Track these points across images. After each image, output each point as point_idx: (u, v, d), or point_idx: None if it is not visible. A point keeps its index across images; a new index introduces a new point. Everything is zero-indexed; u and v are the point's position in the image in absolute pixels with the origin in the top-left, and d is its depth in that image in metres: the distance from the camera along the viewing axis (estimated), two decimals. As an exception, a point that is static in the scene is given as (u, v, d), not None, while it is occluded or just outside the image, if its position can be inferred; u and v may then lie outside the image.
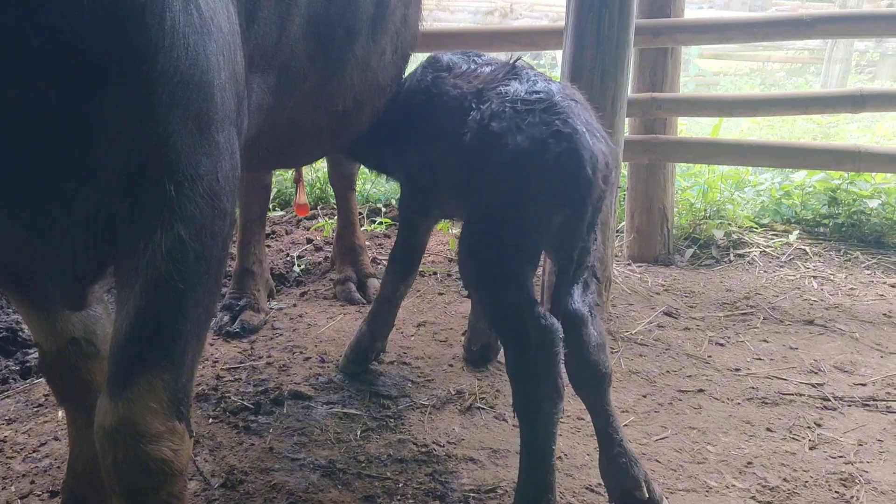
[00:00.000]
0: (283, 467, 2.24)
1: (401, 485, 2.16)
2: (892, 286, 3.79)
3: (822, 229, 4.56)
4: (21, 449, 2.33)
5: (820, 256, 4.19)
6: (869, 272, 3.98)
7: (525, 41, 4.03)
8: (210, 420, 2.48)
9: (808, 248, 4.27)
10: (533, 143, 1.86)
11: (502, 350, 2.87)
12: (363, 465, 2.26)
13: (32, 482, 2.16)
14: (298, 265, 3.98)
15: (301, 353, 2.98)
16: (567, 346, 1.91)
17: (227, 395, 2.62)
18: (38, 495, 2.10)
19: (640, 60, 3.92)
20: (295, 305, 3.50)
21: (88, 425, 1.69)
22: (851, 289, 3.76)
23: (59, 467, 2.21)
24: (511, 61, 2.21)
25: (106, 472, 1.37)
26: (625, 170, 4.16)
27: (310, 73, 1.82)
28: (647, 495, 1.97)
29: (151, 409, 1.31)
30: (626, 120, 3.71)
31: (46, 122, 1.07)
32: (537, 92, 1.97)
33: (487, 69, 2.26)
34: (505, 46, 3.99)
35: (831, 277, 3.92)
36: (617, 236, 4.41)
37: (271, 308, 3.44)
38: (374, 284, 3.63)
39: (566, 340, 1.90)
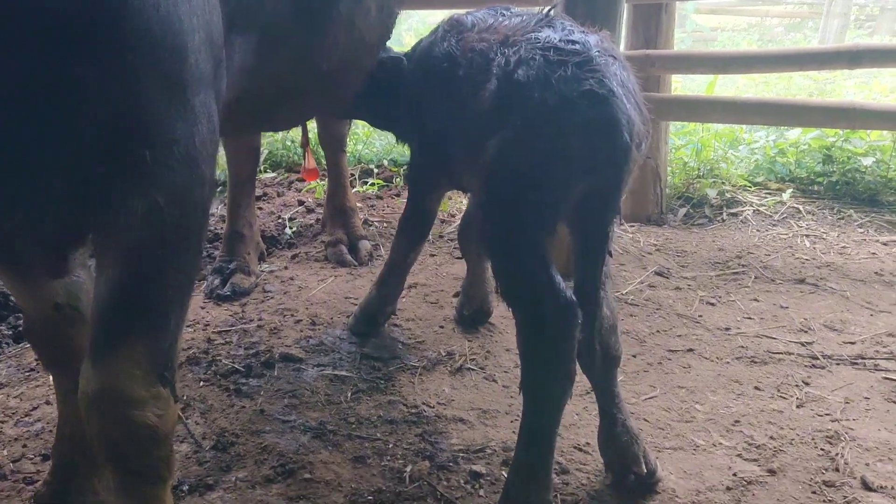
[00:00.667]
0: (274, 429, 2.25)
1: (391, 445, 2.18)
2: (885, 244, 3.79)
3: (816, 187, 4.54)
4: (13, 413, 2.34)
5: (813, 215, 4.18)
6: (862, 230, 3.98)
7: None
8: (201, 383, 2.49)
9: (801, 207, 4.25)
10: (563, 101, 1.68)
11: (494, 312, 2.90)
12: (353, 426, 2.27)
13: (24, 446, 2.18)
14: (290, 227, 3.96)
15: (292, 315, 2.98)
16: (580, 327, 1.78)
17: (217, 358, 2.63)
18: (31, 459, 2.12)
19: (633, 16, 3.86)
20: (286, 268, 3.49)
21: (75, 391, 1.68)
22: (844, 247, 3.76)
23: (50, 431, 2.22)
24: (545, 10, 2.03)
25: (91, 438, 1.37)
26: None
27: (293, 32, 1.78)
28: (644, 470, 1.97)
29: (134, 375, 1.30)
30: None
31: (15, 87, 1.04)
32: (573, 42, 1.77)
33: (517, 20, 2.05)
34: None
35: (824, 236, 3.91)
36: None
37: (262, 271, 3.43)
38: (366, 246, 3.62)
39: (583, 319, 1.78)
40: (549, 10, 2.04)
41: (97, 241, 1.30)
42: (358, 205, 3.91)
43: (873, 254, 3.68)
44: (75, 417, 1.78)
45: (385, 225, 4.04)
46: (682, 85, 5.70)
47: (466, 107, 2.01)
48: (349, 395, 2.44)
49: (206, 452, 2.13)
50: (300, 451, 2.14)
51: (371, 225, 4.04)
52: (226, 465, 2.09)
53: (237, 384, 2.48)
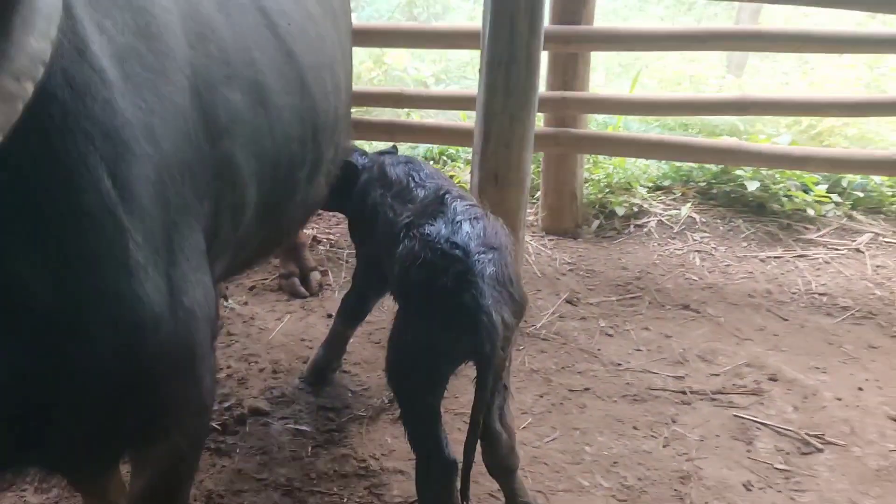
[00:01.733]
0: (251, 488, 2.81)
1: (345, 500, 2.77)
2: (762, 261, 4.46)
3: (714, 190, 5.16)
4: (33, 480, 2.84)
5: (707, 226, 4.81)
6: (746, 244, 4.63)
7: (446, 42, 4.30)
8: (186, 442, 3.02)
9: (698, 217, 4.87)
10: (441, 308, 2.13)
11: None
12: (314, 481, 2.85)
13: (47, 513, 2.70)
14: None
15: (255, 362, 3.49)
16: (484, 449, 2.34)
17: (197, 414, 3.15)
18: (55, 527, 2.65)
19: (553, 60, 4.27)
20: (246, 303, 3.97)
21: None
22: (727, 265, 4.41)
23: (67, 498, 2.73)
24: (441, 192, 2.42)
25: None
26: (540, 156, 4.61)
27: (258, 231, 2.20)
28: None
29: None
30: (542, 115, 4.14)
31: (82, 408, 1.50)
32: (456, 246, 2.13)
33: (421, 193, 2.53)
34: (428, 45, 4.27)
35: (713, 251, 4.55)
36: (533, 207, 4.94)
37: (226, 306, 3.90)
38: (316, 277, 4.11)
39: (484, 445, 2.33)
40: (444, 194, 2.38)
41: (131, 461, 1.81)
42: (307, 231, 4.37)
43: (750, 273, 4.34)
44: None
45: (331, 247, 4.51)
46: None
47: (385, 255, 2.52)
48: (309, 449, 3.00)
49: (199, 515, 2.70)
50: (273, 509, 2.73)
51: (319, 243, 4.51)
52: (215, 526, 2.66)
53: (217, 443, 3.01)
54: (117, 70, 1.30)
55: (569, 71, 4.21)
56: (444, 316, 2.14)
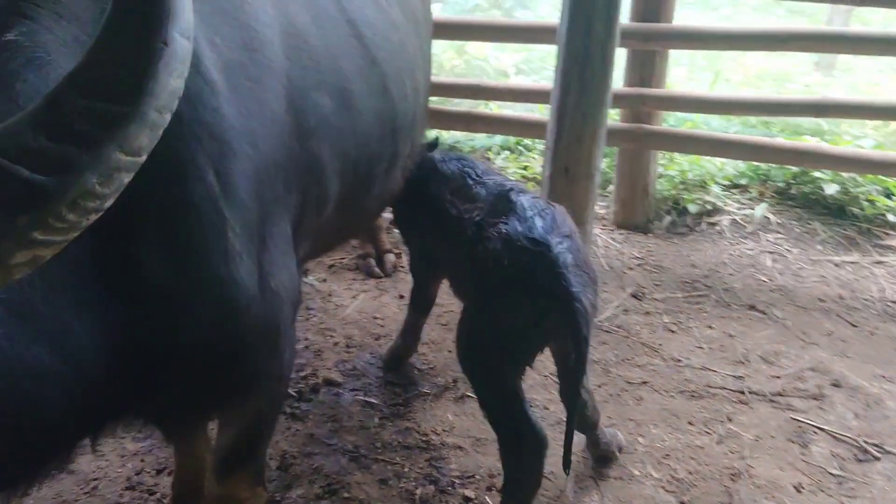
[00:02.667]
0: (322, 451, 3.05)
1: (406, 469, 2.97)
2: (837, 265, 4.40)
3: (793, 191, 5.08)
4: (129, 430, 3.15)
5: (782, 227, 4.77)
6: (821, 248, 4.57)
7: (525, 36, 4.40)
8: (265, 406, 3.28)
9: (773, 217, 4.83)
10: (533, 301, 2.24)
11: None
12: (379, 450, 3.06)
13: (142, 460, 3.00)
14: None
15: (331, 336, 3.73)
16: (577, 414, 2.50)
17: (275, 381, 3.41)
18: (148, 472, 2.94)
19: (631, 56, 4.32)
20: (325, 280, 4.22)
21: (186, 455, 2.53)
22: (799, 268, 4.38)
23: (159, 447, 3.03)
24: (505, 188, 2.56)
25: None
26: (613, 148, 4.67)
27: (338, 219, 2.39)
28: (618, 455, 2.94)
29: (243, 487, 2.09)
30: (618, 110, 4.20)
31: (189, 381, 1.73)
32: (536, 241, 2.25)
33: (482, 191, 2.62)
34: (506, 39, 4.38)
35: (786, 253, 4.52)
36: (605, 200, 5.00)
37: (306, 282, 4.16)
38: (390, 259, 4.32)
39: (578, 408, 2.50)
40: (509, 190, 2.52)
41: (220, 416, 2.05)
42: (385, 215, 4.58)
43: (823, 277, 4.30)
44: (189, 468, 2.58)
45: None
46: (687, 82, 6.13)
47: (449, 250, 2.67)
48: (376, 420, 3.22)
49: (273, 472, 2.94)
50: (341, 473, 2.95)
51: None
52: (287, 483, 2.90)
53: (293, 408, 3.27)
54: (224, 81, 1.51)
55: (646, 68, 4.25)
56: (538, 307, 2.26)
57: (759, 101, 4.23)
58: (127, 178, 0.94)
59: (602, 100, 3.39)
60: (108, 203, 0.93)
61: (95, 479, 2.89)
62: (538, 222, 2.34)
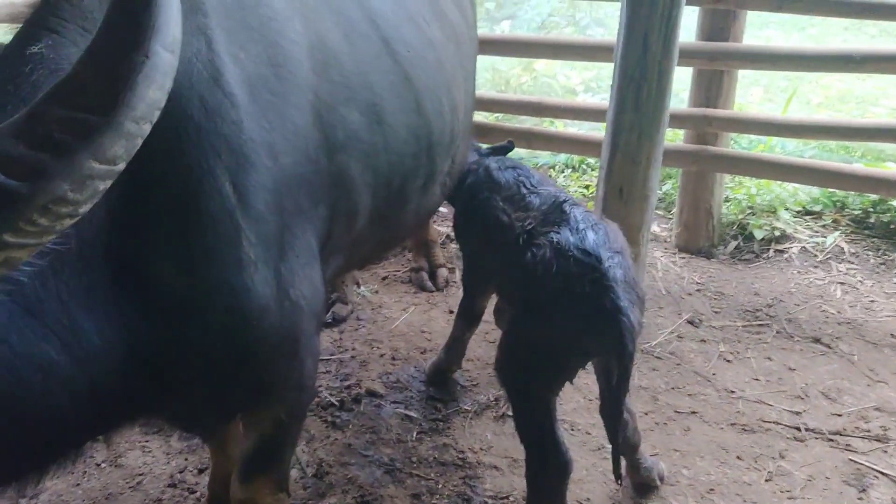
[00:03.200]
0: (357, 462, 3.07)
1: (440, 486, 2.96)
2: (913, 300, 4.14)
3: (872, 219, 4.82)
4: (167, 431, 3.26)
5: (856, 257, 4.52)
6: (897, 280, 4.32)
7: (586, 55, 4.35)
8: (308, 414, 3.33)
9: (847, 247, 4.59)
10: (580, 313, 2.23)
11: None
12: (415, 465, 3.06)
13: (186, 459, 3.10)
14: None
15: (377, 347, 3.76)
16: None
17: (320, 389, 3.46)
18: (191, 471, 3.03)
19: (697, 76, 4.20)
20: (377, 292, 4.26)
21: (222, 456, 2.59)
22: (871, 301, 4.14)
23: (203, 447, 3.12)
24: (559, 199, 2.55)
25: None
26: (677, 169, 4.55)
27: (373, 233, 2.42)
28: (659, 484, 2.85)
29: (265, 492, 2.13)
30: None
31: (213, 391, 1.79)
32: (588, 253, 2.24)
33: (536, 200, 2.61)
34: (567, 57, 4.34)
35: (858, 285, 4.29)
36: (668, 223, 4.88)
37: (358, 293, 4.21)
38: (443, 274, 4.33)
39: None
40: (563, 202, 2.51)
41: (243, 421, 2.11)
42: (441, 229, 4.60)
43: (897, 311, 4.05)
44: (225, 470, 2.65)
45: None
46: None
47: (500, 258, 2.65)
48: (414, 434, 3.22)
49: (309, 479, 2.98)
50: (375, 485, 2.96)
51: (453, 241, 4.72)
52: (321, 491, 2.93)
53: (333, 416, 3.31)
54: (247, 94, 1.56)
55: (713, 88, 4.12)
56: (585, 319, 2.25)
57: (831, 124, 4.03)
58: (103, 186, 0.97)
59: (659, 120, 3.31)
60: (84, 209, 0.96)
61: (140, 475, 3.00)
62: (590, 235, 2.33)
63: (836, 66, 3.83)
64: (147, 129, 1.00)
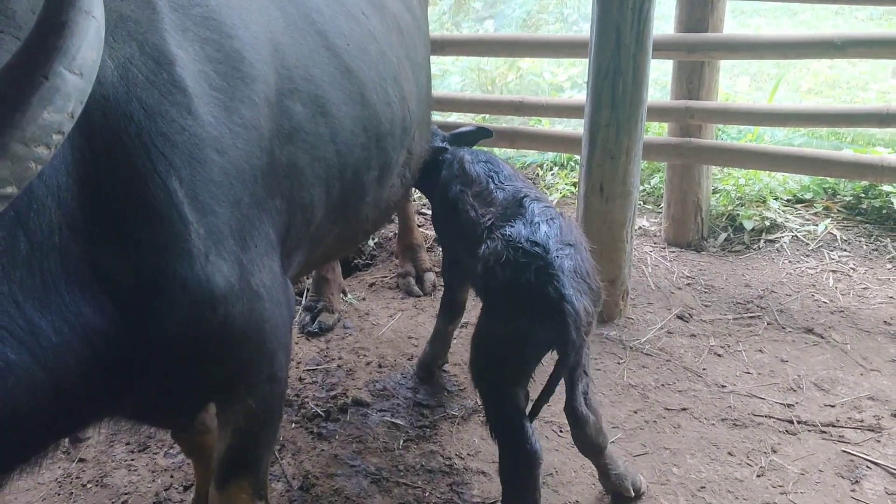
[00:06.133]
0: (344, 473, 3.04)
1: (427, 493, 2.92)
2: (907, 285, 4.09)
3: (864, 205, 4.76)
4: (162, 445, 3.24)
5: (848, 244, 4.47)
6: (891, 266, 4.26)
7: (565, 51, 4.32)
8: (293, 425, 3.30)
9: (838, 234, 4.53)
10: (526, 301, 2.26)
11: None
12: (402, 473, 3.02)
13: (171, 476, 3.07)
14: (372, 239, 4.69)
15: (364, 355, 3.73)
16: (573, 432, 2.57)
17: (306, 400, 3.42)
18: (176, 488, 3.01)
19: (678, 68, 4.16)
20: (364, 299, 4.23)
21: (205, 470, 2.56)
22: (864, 288, 4.09)
23: (188, 464, 3.09)
24: (520, 195, 2.58)
25: None
26: (663, 163, 4.51)
27: (332, 228, 2.39)
28: (632, 493, 2.74)
29: (241, 497, 2.11)
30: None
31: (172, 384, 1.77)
32: (536, 244, 2.30)
33: (501, 195, 2.66)
34: (543, 54, 4.30)
35: (850, 272, 4.23)
36: (657, 218, 4.83)
37: (345, 301, 4.18)
38: (430, 278, 4.29)
39: (573, 428, 2.55)
40: (523, 198, 2.54)
41: (218, 417, 2.11)
42: (427, 233, 4.57)
43: (891, 298, 3.99)
44: (204, 484, 2.62)
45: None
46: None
47: (466, 251, 2.67)
48: (401, 442, 3.18)
49: (295, 492, 2.95)
50: (361, 495, 2.92)
51: (439, 245, 4.69)
52: (308, 504, 2.90)
53: (319, 427, 3.27)
54: (187, 92, 1.57)
55: (694, 79, 4.08)
56: (530, 308, 2.27)
57: (815, 111, 3.97)
58: None
59: (636, 114, 3.27)
60: None
61: (126, 494, 2.97)
62: (543, 227, 2.38)
63: (817, 53, 3.78)
64: (43, 153, 0.98)
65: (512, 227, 2.41)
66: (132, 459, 3.16)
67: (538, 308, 2.25)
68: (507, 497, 2.46)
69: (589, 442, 2.60)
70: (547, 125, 5.49)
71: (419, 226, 4.63)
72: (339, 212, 2.30)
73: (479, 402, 3.35)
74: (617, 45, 3.11)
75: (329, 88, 2.13)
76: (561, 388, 2.79)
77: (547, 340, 2.32)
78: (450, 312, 3.37)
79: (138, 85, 1.49)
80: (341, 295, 4.18)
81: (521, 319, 2.30)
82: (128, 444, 3.21)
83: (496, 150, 5.22)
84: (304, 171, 2.02)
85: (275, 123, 1.87)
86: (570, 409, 2.56)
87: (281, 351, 2.01)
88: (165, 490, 2.99)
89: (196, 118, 1.59)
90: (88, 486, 3.04)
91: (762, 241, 4.57)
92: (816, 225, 4.60)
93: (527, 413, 2.43)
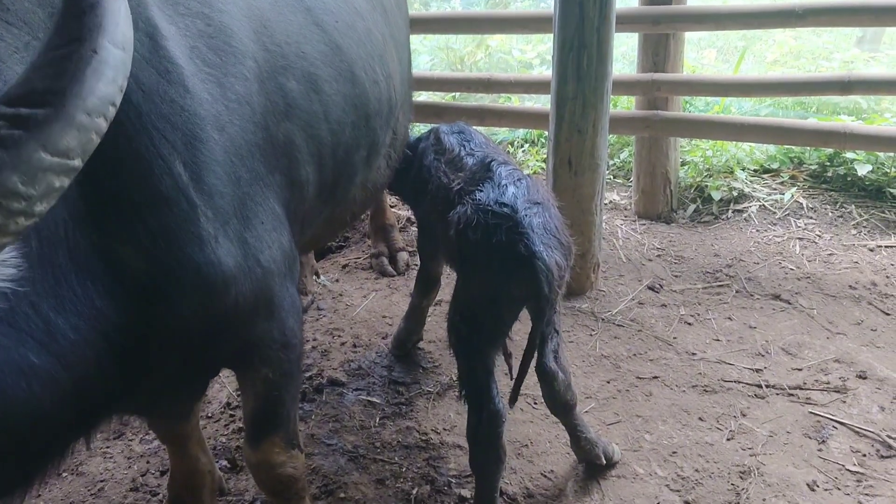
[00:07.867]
0: (321, 452, 3.05)
1: (404, 469, 2.95)
2: (871, 251, 4.17)
3: (829, 173, 4.84)
4: (137, 432, 3.23)
5: (814, 211, 4.54)
6: (855, 232, 4.34)
7: (531, 27, 4.32)
8: (269, 407, 3.31)
9: (804, 202, 4.61)
10: (498, 260, 2.30)
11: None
12: (378, 450, 3.05)
13: (148, 462, 3.06)
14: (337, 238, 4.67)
15: (339, 336, 3.73)
16: (543, 389, 2.57)
17: (281, 382, 3.43)
18: (153, 474, 3.00)
19: (643, 40, 4.18)
20: (337, 280, 4.23)
21: (181, 455, 2.56)
22: (830, 254, 4.16)
23: (164, 449, 3.09)
24: (487, 160, 2.61)
25: (257, 483, 2.27)
26: (632, 137, 4.54)
27: (322, 209, 2.38)
28: (604, 461, 2.78)
29: (276, 451, 2.15)
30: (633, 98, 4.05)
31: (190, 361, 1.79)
32: (504, 205, 2.33)
33: (470, 161, 2.70)
34: (508, 31, 4.30)
35: (817, 239, 4.31)
36: (627, 191, 4.87)
37: (319, 283, 4.18)
38: (403, 257, 4.30)
39: (543, 385, 2.55)
40: (490, 162, 2.57)
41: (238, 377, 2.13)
42: (400, 213, 4.56)
43: (855, 263, 4.08)
44: (183, 469, 2.62)
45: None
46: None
47: (439, 218, 2.68)
48: (377, 419, 3.20)
49: (272, 472, 2.96)
50: (338, 473, 2.94)
51: (413, 224, 4.69)
52: (286, 484, 2.91)
53: (295, 409, 3.28)
54: (182, 70, 1.56)
55: (660, 52, 4.10)
56: (503, 266, 2.31)
57: (778, 81, 4.03)
58: (59, 182, 0.95)
59: (602, 88, 3.29)
60: (40, 207, 0.94)
61: (102, 481, 2.96)
62: (510, 189, 2.41)
63: (778, 22, 3.82)
64: (101, 124, 0.99)
65: (481, 190, 2.45)
66: (107, 447, 3.15)
67: (511, 266, 2.29)
68: (473, 455, 2.52)
69: (558, 399, 2.63)
70: (517, 102, 5.49)
71: (391, 206, 4.63)
72: (331, 192, 2.30)
73: (454, 379, 3.39)
74: (580, 18, 3.11)
75: (321, 65, 2.13)
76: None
77: (521, 297, 2.36)
78: (425, 287, 3.39)
79: (135, 65, 1.43)
80: (315, 277, 4.18)
81: (496, 278, 2.34)
82: (102, 431, 3.19)
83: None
84: (300, 149, 2.01)
85: (267, 99, 1.86)
86: (541, 366, 2.56)
87: (292, 318, 2.03)
88: (142, 476, 2.99)
89: (194, 96, 1.57)
90: (64, 474, 3.03)
91: (730, 211, 4.63)
92: (783, 194, 4.67)
93: (512, 378, 2.48)
